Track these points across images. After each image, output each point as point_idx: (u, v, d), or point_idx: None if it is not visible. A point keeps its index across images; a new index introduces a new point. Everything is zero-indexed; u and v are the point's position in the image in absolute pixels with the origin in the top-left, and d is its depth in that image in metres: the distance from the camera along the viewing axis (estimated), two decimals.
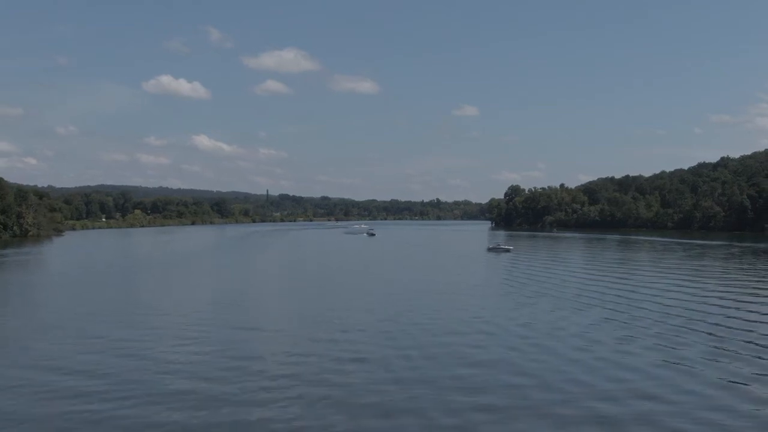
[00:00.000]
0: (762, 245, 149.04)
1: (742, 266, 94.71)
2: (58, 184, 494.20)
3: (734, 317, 47.17)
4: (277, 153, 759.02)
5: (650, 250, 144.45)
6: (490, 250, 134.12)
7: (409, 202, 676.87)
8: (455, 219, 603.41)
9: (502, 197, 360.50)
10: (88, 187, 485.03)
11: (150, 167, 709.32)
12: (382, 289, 67.61)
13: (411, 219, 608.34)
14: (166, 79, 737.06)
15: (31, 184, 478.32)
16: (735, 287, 66.86)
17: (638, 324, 44.81)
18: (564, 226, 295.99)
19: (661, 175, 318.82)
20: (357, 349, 36.14)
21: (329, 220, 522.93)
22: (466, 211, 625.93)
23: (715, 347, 36.61)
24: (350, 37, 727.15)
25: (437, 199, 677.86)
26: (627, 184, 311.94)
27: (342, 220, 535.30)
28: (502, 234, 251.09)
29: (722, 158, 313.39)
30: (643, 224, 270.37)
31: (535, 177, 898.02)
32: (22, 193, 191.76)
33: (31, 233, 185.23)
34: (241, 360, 33.39)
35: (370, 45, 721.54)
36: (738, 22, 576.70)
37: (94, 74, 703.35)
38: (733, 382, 29.57)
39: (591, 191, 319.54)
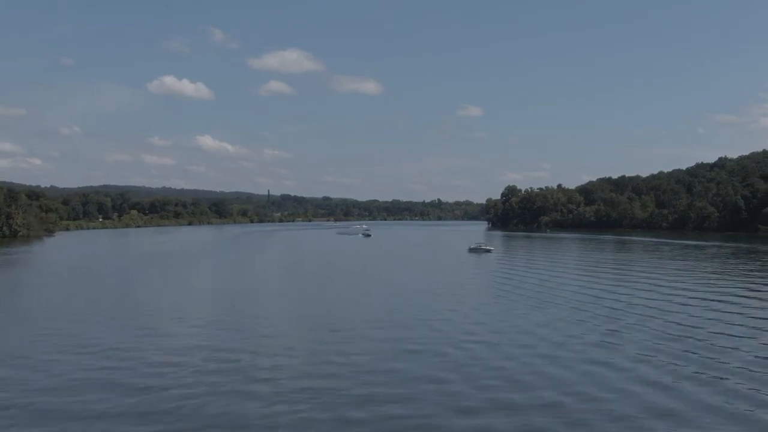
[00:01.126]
0: (745, 245, 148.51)
1: (713, 266, 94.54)
2: (61, 185, 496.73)
3: (671, 311, 46.93)
4: (281, 153, 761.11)
5: (633, 250, 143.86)
6: (471, 250, 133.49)
7: (410, 202, 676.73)
8: (456, 219, 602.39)
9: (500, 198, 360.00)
10: (91, 187, 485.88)
11: (154, 168, 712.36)
12: (340, 288, 67.85)
13: (411, 219, 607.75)
14: (169, 80, 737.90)
15: (34, 184, 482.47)
16: (695, 286, 66.68)
17: (587, 321, 46.25)
18: (559, 226, 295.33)
19: (659, 176, 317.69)
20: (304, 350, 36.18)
21: (328, 221, 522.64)
22: (467, 212, 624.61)
23: (644, 335, 36.69)
24: (353, 37, 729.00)
25: (438, 199, 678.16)
26: (623, 184, 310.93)
27: (341, 220, 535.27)
28: (498, 234, 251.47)
29: (720, 158, 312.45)
30: (638, 225, 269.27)
31: (539, 177, 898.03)
32: (12, 194, 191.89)
33: (21, 234, 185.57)
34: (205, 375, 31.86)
35: (372, 45, 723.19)
36: (739, 21, 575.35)
37: (98, 75, 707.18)
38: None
39: (587, 191, 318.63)
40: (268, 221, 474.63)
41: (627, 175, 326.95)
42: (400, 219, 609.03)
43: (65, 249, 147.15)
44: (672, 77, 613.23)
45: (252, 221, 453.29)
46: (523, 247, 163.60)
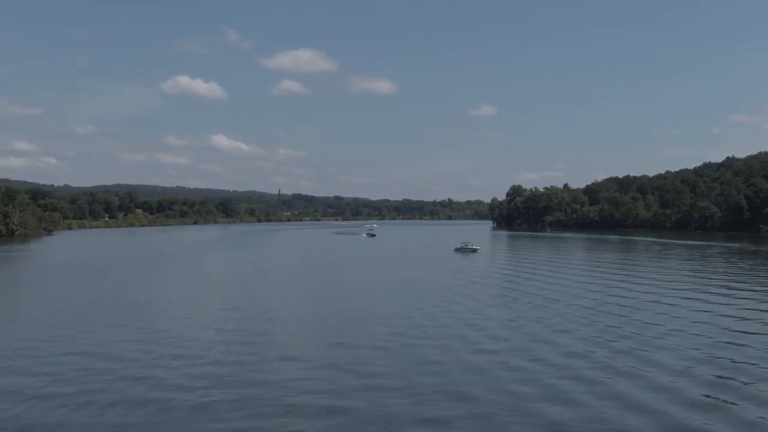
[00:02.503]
0: (737, 245, 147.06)
1: (700, 266, 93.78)
2: (74, 184, 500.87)
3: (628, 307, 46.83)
4: (296, 153, 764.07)
5: (628, 249, 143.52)
6: (457, 250, 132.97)
7: (421, 201, 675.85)
8: (466, 219, 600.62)
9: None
10: (105, 186, 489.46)
11: (170, 167, 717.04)
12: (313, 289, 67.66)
13: (421, 219, 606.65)
14: (183, 80, 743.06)
15: (47, 183, 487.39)
16: (666, 286, 66.60)
17: (548, 318, 46.78)
18: (563, 226, 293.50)
19: (666, 175, 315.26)
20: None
21: (337, 220, 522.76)
22: (477, 211, 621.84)
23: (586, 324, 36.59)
24: (366, 37, 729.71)
25: (449, 198, 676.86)
26: (628, 184, 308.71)
27: (350, 219, 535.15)
28: (498, 234, 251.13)
29: (728, 158, 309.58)
30: (642, 224, 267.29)
31: (554, 177, 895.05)
32: (10, 193, 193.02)
33: (18, 233, 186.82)
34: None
35: (386, 45, 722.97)
36: (755, 21, 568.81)
37: (113, 75, 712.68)
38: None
39: (592, 191, 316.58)
40: (276, 220, 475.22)
41: (638, 174, 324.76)
42: (409, 218, 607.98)
43: (56, 248, 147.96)
44: (688, 77, 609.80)
45: (260, 220, 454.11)
46: (513, 247, 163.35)
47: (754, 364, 32.95)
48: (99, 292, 64.06)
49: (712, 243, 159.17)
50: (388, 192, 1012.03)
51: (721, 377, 30.65)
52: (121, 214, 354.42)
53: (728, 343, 38.25)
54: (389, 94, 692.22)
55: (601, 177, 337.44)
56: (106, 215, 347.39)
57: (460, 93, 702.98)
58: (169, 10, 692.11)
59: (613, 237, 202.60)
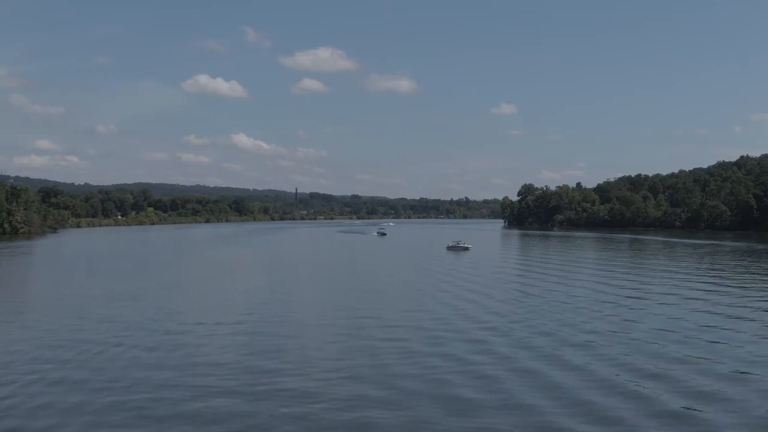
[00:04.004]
0: (739, 244, 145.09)
1: (695, 265, 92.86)
2: (96, 182, 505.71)
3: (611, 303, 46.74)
4: (316, 152, 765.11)
5: (626, 248, 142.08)
6: (449, 248, 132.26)
7: (438, 200, 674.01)
8: (482, 218, 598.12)
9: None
10: (126, 185, 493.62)
11: (191, 166, 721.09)
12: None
13: (436, 218, 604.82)
14: (203, 79, 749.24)
15: (68, 181, 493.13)
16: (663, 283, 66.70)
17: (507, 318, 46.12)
18: (573, 225, 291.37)
19: (679, 174, 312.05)
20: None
21: (351, 219, 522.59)
22: (494, 210, 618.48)
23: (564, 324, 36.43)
24: (386, 36, 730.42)
25: (466, 197, 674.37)
26: (639, 182, 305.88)
27: (364, 218, 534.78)
28: (504, 232, 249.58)
29: (741, 157, 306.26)
30: (652, 224, 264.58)
31: (575, 176, 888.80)
32: (14, 191, 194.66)
33: (22, 231, 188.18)
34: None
35: (406, 44, 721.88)
36: None
37: (134, 74, 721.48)
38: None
39: (603, 190, 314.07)
40: (290, 219, 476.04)
41: (658, 173, 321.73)
42: (425, 217, 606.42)
43: (52, 246, 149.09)
44: (711, 76, 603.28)
45: (273, 219, 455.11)
46: (508, 246, 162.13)
47: None
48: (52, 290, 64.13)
49: (708, 242, 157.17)
50: (408, 191, 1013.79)
51: None
52: (133, 213, 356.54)
53: None
54: (410, 92, 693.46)
55: (619, 176, 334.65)
56: (119, 213, 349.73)
57: (480, 91, 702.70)
58: (189, 9, 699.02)
59: (619, 236, 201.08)
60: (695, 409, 25.25)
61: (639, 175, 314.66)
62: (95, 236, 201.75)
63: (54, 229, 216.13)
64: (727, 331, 41.32)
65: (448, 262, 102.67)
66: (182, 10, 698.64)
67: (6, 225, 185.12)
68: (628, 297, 57.72)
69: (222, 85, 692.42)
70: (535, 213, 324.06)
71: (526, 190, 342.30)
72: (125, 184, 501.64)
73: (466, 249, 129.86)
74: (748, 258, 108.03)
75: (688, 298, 56.63)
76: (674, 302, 53.99)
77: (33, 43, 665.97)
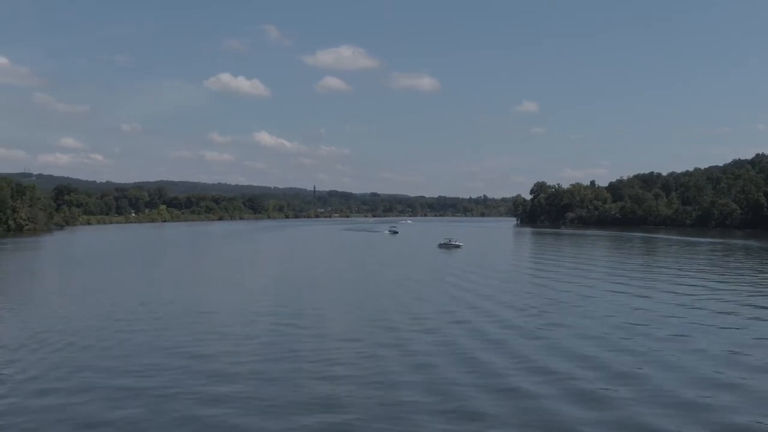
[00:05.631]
0: (739, 242, 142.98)
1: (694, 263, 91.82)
2: (119, 180, 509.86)
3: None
4: (339, 150, 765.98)
5: (626, 247, 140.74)
6: (441, 246, 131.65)
7: (456, 198, 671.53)
8: (500, 216, 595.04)
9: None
10: (148, 182, 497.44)
11: (215, 164, 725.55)
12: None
13: (453, 216, 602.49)
14: (225, 77, 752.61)
15: (90, 179, 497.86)
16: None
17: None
18: (584, 223, 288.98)
19: (693, 173, 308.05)
20: None
21: (366, 217, 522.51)
22: (511, 209, 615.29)
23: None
24: (408, 35, 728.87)
25: (484, 195, 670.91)
26: (652, 180, 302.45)
27: (380, 216, 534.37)
28: (517, 231, 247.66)
29: (757, 155, 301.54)
30: (663, 222, 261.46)
31: (599, 174, 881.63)
32: (20, 188, 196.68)
33: (27, 228, 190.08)
34: None
35: (428, 42, 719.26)
36: None
37: (157, 73, 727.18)
38: None
39: (615, 188, 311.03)
40: (304, 217, 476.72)
41: (652, 171, 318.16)
42: (442, 215, 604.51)
43: (47, 244, 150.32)
44: (735, 73, 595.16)
45: (287, 217, 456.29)
46: (506, 244, 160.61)
47: None
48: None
49: (720, 240, 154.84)
50: (429, 189, 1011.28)
51: None
52: (147, 210, 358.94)
53: None
54: (431, 90, 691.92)
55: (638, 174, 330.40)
56: (133, 211, 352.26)
57: (502, 89, 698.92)
58: (211, 8, 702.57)
59: (625, 234, 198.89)
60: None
61: (652, 173, 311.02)
62: (97, 233, 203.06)
63: (60, 227, 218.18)
64: None
65: (433, 261, 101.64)
66: (204, 9, 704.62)
67: (11, 222, 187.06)
68: (619, 297, 56.17)
69: (244, 84, 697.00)
70: (547, 211, 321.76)
71: (539, 188, 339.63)
72: (147, 182, 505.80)
73: (457, 247, 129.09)
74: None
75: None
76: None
77: (56, 41, 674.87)
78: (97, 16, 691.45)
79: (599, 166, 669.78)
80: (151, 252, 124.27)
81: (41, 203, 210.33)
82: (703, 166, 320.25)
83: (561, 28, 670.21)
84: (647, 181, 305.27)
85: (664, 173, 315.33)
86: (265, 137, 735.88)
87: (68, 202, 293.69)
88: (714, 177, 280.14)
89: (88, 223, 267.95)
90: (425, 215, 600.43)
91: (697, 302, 51.72)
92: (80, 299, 53.21)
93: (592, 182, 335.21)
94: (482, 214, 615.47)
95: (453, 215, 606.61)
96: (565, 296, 55.58)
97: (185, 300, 52.89)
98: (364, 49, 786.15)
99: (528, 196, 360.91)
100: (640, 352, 34.09)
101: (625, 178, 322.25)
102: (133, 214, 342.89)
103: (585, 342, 36.34)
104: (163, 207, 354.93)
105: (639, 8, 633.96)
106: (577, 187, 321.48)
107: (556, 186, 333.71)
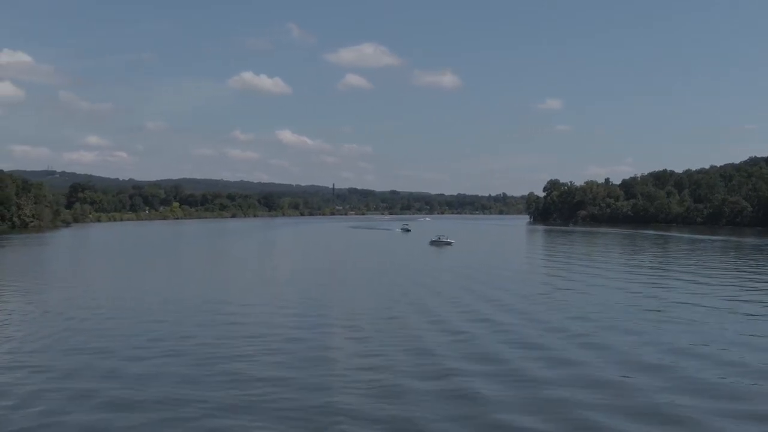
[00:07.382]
0: (744, 240, 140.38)
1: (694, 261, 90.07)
2: (142, 178, 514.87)
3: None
4: (361, 147, 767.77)
5: (625, 245, 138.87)
6: (432, 243, 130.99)
7: (475, 196, 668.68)
8: (519, 214, 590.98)
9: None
10: (171, 180, 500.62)
11: (238, 162, 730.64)
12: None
13: (471, 213, 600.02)
14: (247, 76, 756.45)
15: (113, 177, 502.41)
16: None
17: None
18: (596, 220, 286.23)
19: (708, 170, 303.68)
20: None
21: (382, 214, 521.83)
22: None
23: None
24: (429, 32, 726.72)
25: (503, 193, 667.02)
26: (665, 178, 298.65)
27: (398, 214, 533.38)
28: (531, 229, 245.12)
29: None
30: (674, 219, 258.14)
31: (623, 171, 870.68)
32: (25, 185, 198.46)
33: (32, 224, 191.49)
34: None
35: (450, 39, 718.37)
36: None
37: (181, 71, 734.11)
38: None
39: (628, 186, 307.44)
40: (319, 214, 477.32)
41: (665, 169, 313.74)
42: (460, 213, 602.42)
43: (42, 242, 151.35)
44: (760, 71, 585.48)
45: (302, 214, 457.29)
46: (503, 243, 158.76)
47: None
48: None
49: (733, 238, 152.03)
50: (450, 186, 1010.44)
51: None
52: (161, 208, 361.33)
53: None
54: (453, 88, 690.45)
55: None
56: (147, 208, 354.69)
57: (525, 86, 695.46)
58: (234, 7, 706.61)
59: (635, 232, 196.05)
60: None
61: (665, 171, 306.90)
62: (101, 230, 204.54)
63: (67, 224, 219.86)
64: None
65: (417, 258, 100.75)
66: (226, 7, 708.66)
67: (15, 219, 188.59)
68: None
69: (266, 82, 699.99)
70: (560, 209, 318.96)
71: (552, 186, 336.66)
72: (170, 179, 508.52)
73: (448, 244, 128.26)
74: None
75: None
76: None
77: (80, 40, 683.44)
78: (122, 15, 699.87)
79: (624, 164, 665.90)
80: (134, 249, 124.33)
81: (47, 200, 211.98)
82: (724, 163, 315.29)
83: (586, 25, 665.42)
84: (660, 178, 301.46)
85: (668, 170, 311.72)
86: (287, 135, 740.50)
87: (82, 200, 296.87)
88: (727, 175, 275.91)
89: (98, 221, 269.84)
90: (443, 213, 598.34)
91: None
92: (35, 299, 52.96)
93: (607, 179, 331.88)
94: (501, 212, 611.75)
95: (471, 213, 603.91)
96: (534, 291, 54.71)
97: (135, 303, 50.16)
98: (386, 47, 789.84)
99: (533, 194, 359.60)
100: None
101: (638, 175, 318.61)
102: (146, 212, 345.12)
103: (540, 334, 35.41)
104: (176, 204, 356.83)
105: (666, 5, 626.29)
106: (590, 185, 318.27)
107: (569, 183, 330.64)
